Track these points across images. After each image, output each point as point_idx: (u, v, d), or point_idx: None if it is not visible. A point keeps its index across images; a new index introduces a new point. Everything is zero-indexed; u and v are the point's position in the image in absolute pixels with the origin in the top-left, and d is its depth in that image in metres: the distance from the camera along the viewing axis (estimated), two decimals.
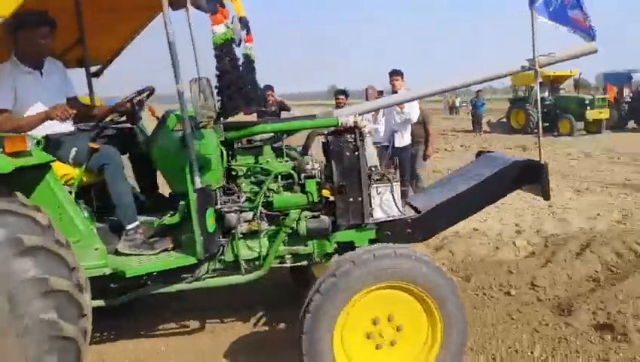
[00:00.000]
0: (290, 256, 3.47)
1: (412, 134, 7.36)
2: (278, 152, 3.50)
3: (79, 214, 3.09)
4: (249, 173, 3.42)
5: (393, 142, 7.17)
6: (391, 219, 3.41)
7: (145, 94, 3.75)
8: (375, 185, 3.38)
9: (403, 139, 7.22)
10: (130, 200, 3.39)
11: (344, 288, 2.84)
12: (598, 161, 13.60)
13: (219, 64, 2.91)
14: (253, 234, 3.39)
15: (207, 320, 4.31)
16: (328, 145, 3.41)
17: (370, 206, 3.37)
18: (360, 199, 3.34)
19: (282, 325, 4.20)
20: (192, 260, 3.20)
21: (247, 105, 3.23)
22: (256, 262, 3.44)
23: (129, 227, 3.35)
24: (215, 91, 2.97)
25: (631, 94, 23.20)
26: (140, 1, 3.76)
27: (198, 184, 3.07)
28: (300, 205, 3.37)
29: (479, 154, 4.15)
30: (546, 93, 22.40)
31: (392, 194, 3.41)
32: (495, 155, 3.94)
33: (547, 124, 21.70)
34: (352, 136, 3.32)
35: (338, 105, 7.51)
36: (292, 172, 3.38)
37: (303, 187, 3.38)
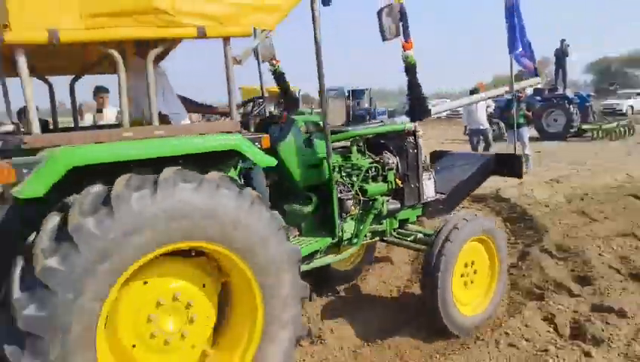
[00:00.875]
0: (369, 234, 4.35)
1: None
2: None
3: None
4: (341, 168, 4.20)
5: None
6: (432, 199, 4.65)
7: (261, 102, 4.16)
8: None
9: None
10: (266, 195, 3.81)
11: (463, 237, 4.01)
12: None
13: (409, 77, 3.81)
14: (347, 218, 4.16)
15: None
16: (388, 145, 4.47)
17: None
18: (418, 185, 4.50)
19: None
20: (328, 241, 3.85)
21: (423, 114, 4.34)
22: (346, 242, 4.21)
23: None
24: None
25: None
26: None
27: (336, 177, 3.79)
28: (383, 192, 4.32)
29: (434, 153, 5.64)
30: (272, 107, 24.70)
31: (431, 180, 4.66)
32: (461, 153, 5.55)
33: None
34: (413, 138, 4.47)
35: (99, 105, 7.19)
36: (378, 166, 4.31)
37: (384, 178, 4.34)
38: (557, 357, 3.68)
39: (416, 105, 4.35)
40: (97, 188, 2.44)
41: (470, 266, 4.22)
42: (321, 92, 3.68)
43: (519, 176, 5.10)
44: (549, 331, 4.08)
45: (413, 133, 4.49)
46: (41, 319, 2.25)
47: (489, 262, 4.37)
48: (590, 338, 3.89)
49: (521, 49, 5.06)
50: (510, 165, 5.05)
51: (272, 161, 3.07)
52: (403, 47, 3.94)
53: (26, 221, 2.54)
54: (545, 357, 3.70)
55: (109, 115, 7.13)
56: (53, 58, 3.58)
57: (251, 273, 2.85)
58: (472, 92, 10.38)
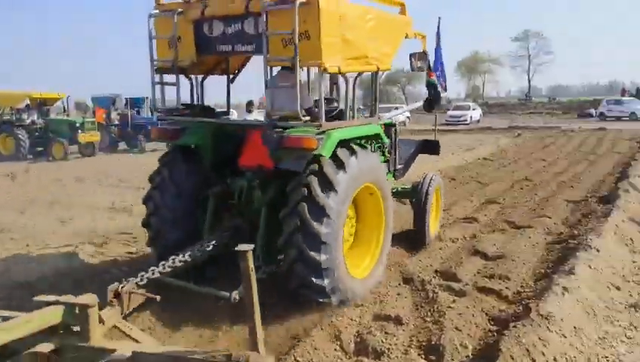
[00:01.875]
0: None
1: None
2: None
3: None
4: None
5: None
6: (398, 167, 7.33)
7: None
8: None
9: None
10: None
11: (434, 185, 6.91)
12: (89, 185, 13.63)
13: (431, 89, 6.38)
14: None
15: None
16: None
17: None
18: (395, 158, 7.13)
19: None
20: None
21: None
22: None
23: None
24: None
25: (118, 117, 24.53)
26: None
27: None
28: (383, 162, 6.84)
29: None
30: (35, 116, 21.69)
31: (398, 155, 7.33)
32: (402, 139, 8.30)
33: (41, 149, 20.94)
34: (394, 128, 7.06)
35: None
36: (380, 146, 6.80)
37: (382, 153, 6.83)
38: None
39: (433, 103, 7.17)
40: (346, 148, 4.57)
41: (433, 198, 7.11)
42: (374, 99, 6.03)
43: (437, 153, 8.09)
44: (335, 349, 4.09)
45: (394, 126, 7.12)
46: (323, 261, 4.38)
47: (436, 203, 7.30)
48: (372, 352, 4.02)
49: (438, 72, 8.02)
50: (432, 147, 8.03)
51: (387, 140, 5.39)
52: (428, 74, 6.59)
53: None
54: None
55: None
56: (200, 66, 5.24)
57: (382, 201, 5.19)
58: (249, 104, 11.82)
